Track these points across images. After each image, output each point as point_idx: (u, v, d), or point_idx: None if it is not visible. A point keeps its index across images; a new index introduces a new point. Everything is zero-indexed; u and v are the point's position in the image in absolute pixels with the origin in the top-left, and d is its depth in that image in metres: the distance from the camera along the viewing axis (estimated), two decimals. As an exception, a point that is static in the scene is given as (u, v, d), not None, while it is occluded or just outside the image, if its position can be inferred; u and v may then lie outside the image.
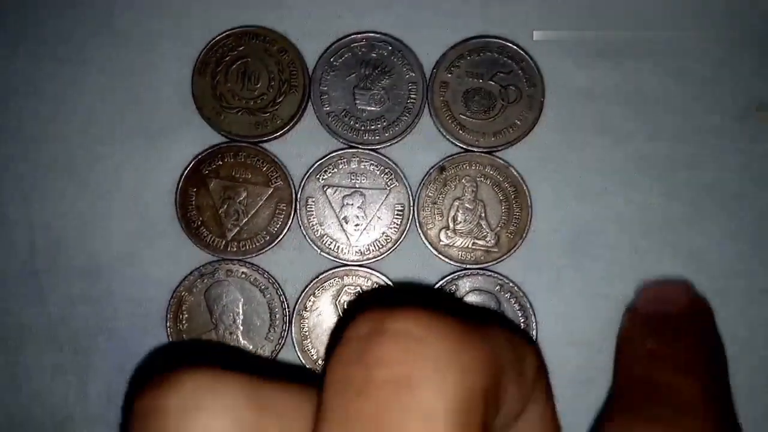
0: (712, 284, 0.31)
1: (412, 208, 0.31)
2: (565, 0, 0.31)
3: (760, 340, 0.31)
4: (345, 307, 0.31)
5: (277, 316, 0.31)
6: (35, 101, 0.31)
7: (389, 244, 0.31)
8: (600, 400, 0.31)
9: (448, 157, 0.31)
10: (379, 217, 0.31)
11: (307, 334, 0.31)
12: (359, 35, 0.31)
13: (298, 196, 0.31)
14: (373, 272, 0.31)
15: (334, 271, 0.31)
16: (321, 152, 0.31)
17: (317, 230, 0.31)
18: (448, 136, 0.31)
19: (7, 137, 0.31)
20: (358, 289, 0.31)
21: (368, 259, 0.31)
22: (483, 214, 0.31)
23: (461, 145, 0.31)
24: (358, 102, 0.31)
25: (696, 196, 0.31)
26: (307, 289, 0.31)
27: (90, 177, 0.31)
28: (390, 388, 0.15)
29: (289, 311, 0.31)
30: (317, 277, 0.31)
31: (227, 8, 0.31)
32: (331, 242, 0.31)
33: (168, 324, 0.31)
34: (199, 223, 0.31)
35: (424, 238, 0.31)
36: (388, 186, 0.31)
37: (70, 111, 0.31)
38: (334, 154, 0.31)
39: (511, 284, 0.31)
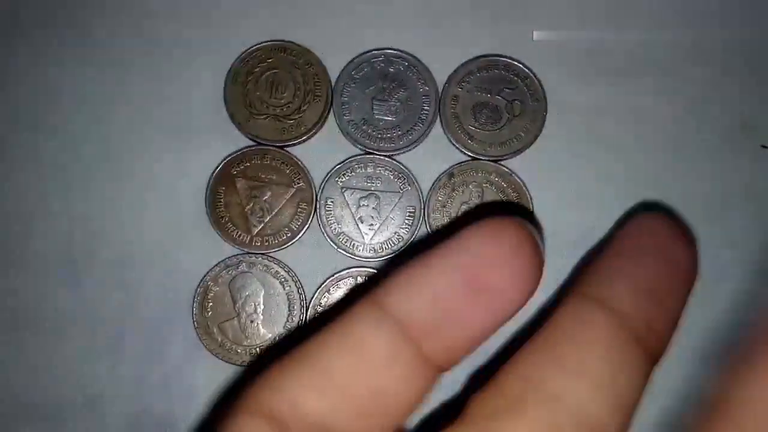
0: (701, 288, 0.33)
1: (422, 210, 0.34)
2: (568, 22, 0.34)
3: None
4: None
5: (295, 307, 0.33)
6: (80, 102, 0.34)
7: (401, 244, 0.34)
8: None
9: (457, 164, 0.34)
10: (392, 218, 0.34)
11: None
12: (378, 51, 0.34)
13: (318, 196, 0.34)
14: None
15: (348, 270, 0.34)
16: (340, 157, 0.34)
17: (335, 228, 0.34)
18: (457, 145, 0.34)
19: (54, 134, 0.34)
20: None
21: (381, 256, 0.34)
22: (489, 218, 0.34)
23: (469, 154, 0.34)
24: (375, 112, 0.34)
25: (687, 206, 0.33)
26: (322, 286, 0.33)
27: (127, 174, 0.34)
28: None
29: (306, 303, 0.33)
30: (332, 275, 0.34)
31: (259, 23, 0.34)
32: (347, 240, 0.34)
33: (194, 311, 0.33)
34: (227, 219, 0.33)
35: (433, 239, 0.34)
36: (401, 189, 0.34)
37: (111, 112, 0.34)
38: (352, 159, 0.34)
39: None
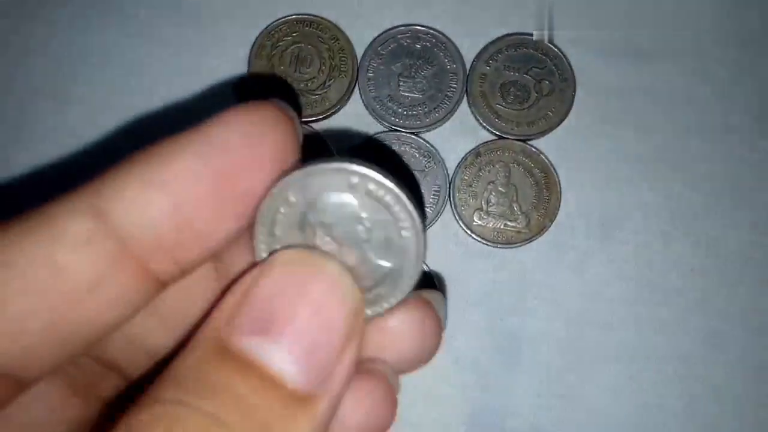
0: (728, 271, 0.33)
1: (448, 189, 0.33)
2: (598, 2, 0.34)
3: (774, 325, 0.32)
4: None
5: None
6: (104, 71, 0.33)
7: (425, 222, 0.33)
8: (619, 378, 0.32)
9: (484, 143, 0.33)
10: (416, 197, 0.33)
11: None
12: (406, 27, 0.34)
13: (342, 173, 0.33)
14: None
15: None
16: (365, 133, 0.34)
17: (358, 206, 0.33)
18: (484, 124, 0.33)
19: (76, 103, 0.33)
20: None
21: (405, 236, 0.33)
22: (515, 198, 0.33)
23: (496, 133, 0.33)
24: (401, 89, 0.34)
25: (715, 188, 0.33)
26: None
27: (150, 145, 0.33)
28: None
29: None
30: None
31: (286, -4, 0.34)
32: (371, 218, 0.33)
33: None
34: (249, 194, 0.33)
35: (458, 218, 0.33)
36: (427, 168, 0.33)
37: (135, 82, 0.33)
38: (377, 135, 0.33)
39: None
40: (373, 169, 0.15)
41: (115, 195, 0.14)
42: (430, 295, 0.18)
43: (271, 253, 0.16)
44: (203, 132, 0.15)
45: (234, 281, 0.16)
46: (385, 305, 0.17)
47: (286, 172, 0.16)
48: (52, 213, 0.14)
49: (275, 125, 0.15)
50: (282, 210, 0.16)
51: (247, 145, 0.15)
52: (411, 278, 0.17)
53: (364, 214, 0.16)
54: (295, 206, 0.16)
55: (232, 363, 0.14)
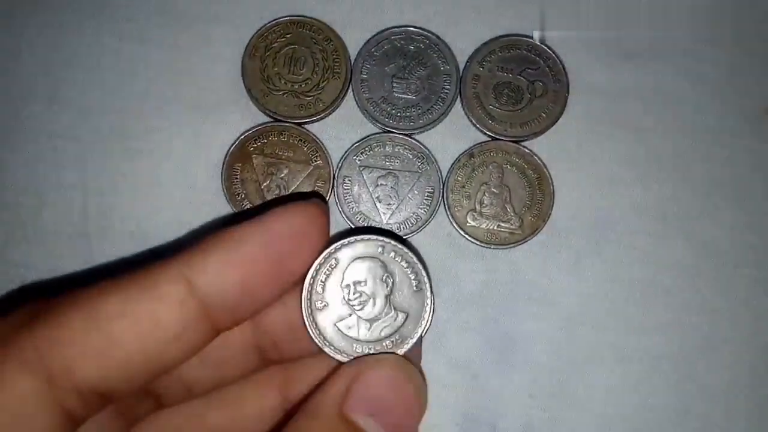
0: (721, 272, 0.33)
1: (441, 190, 0.33)
2: (592, 3, 0.34)
3: (765, 326, 0.33)
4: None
5: (312, 286, 0.33)
6: (97, 74, 0.33)
7: (419, 224, 0.33)
8: (611, 378, 0.33)
9: (477, 144, 0.34)
10: (410, 198, 0.33)
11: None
12: (399, 28, 0.34)
13: (336, 174, 0.33)
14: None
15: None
16: (359, 135, 0.34)
17: (352, 207, 0.33)
18: (477, 125, 0.33)
19: (69, 106, 0.33)
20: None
21: (399, 237, 0.33)
22: (508, 199, 0.33)
23: (490, 134, 0.33)
24: (395, 90, 0.34)
25: (708, 189, 0.33)
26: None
27: (143, 147, 0.33)
28: None
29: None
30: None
31: (279, -3, 0.34)
32: (365, 219, 0.33)
33: (209, 288, 0.33)
34: (243, 195, 0.33)
35: (452, 219, 0.33)
36: (420, 169, 0.33)
37: (128, 84, 0.33)
38: (370, 137, 0.33)
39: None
40: (391, 239, 0.23)
41: (201, 269, 0.20)
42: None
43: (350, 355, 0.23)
44: (264, 224, 0.21)
45: (339, 366, 0.23)
46: (407, 345, 0.23)
47: (331, 242, 0.23)
48: (155, 278, 0.20)
49: (315, 220, 0.22)
50: (328, 269, 0.23)
51: (295, 237, 0.21)
52: (424, 322, 0.23)
53: (386, 273, 0.23)
54: (339, 267, 0.23)
55: (352, 430, 0.20)
